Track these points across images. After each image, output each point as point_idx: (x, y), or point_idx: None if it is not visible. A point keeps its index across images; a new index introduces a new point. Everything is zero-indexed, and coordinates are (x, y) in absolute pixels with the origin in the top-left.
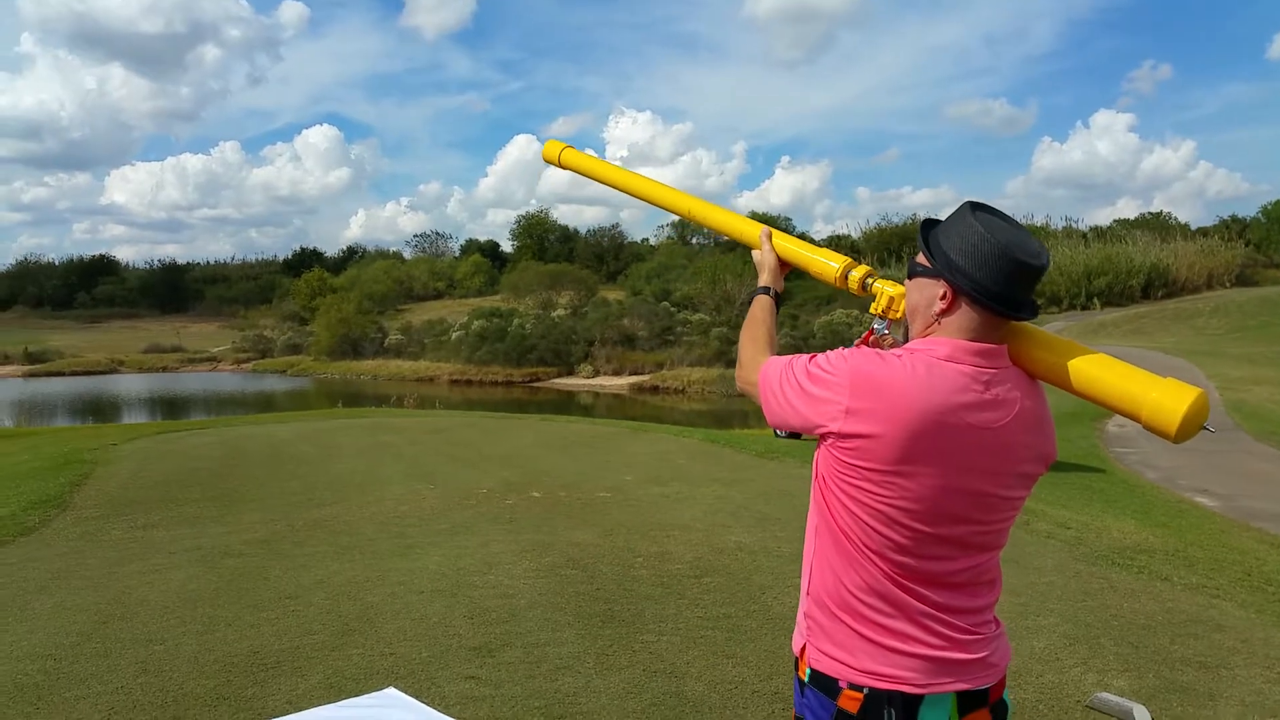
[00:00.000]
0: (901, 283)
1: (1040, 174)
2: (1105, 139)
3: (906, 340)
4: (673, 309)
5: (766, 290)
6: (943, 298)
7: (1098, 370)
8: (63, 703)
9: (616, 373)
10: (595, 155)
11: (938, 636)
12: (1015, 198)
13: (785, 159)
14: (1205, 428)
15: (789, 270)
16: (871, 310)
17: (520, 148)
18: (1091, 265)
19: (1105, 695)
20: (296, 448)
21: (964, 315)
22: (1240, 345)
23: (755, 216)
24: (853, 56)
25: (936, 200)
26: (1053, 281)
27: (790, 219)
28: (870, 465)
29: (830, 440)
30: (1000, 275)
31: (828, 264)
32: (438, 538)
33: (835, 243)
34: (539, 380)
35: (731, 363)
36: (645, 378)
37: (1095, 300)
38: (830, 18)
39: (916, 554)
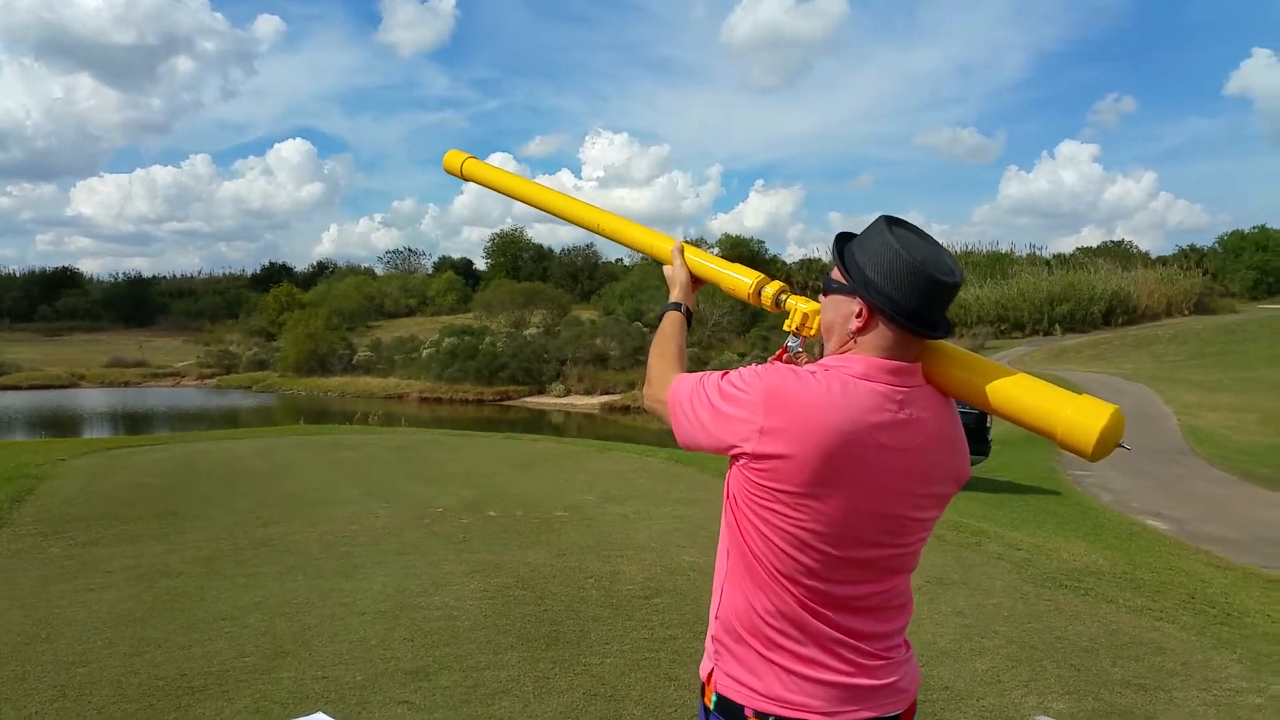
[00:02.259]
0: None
1: (1007, 202)
2: (1070, 169)
3: (821, 358)
4: (645, 329)
5: (678, 306)
6: (858, 315)
7: (1013, 388)
8: None
9: (588, 392)
10: (498, 167)
11: (846, 663)
12: (982, 225)
13: (760, 183)
14: (1121, 445)
15: (701, 286)
16: (785, 327)
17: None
18: (1054, 292)
19: (1044, 719)
20: (250, 464)
21: (879, 333)
22: (1198, 372)
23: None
24: (828, 83)
25: None
26: (1016, 307)
27: (764, 242)
28: (782, 487)
29: (743, 461)
30: (915, 293)
31: (740, 279)
32: (386, 558)
33: (807, 266)
34: (510, 399)
35: None
36: (616, 397)
37: (1057, 326)
38: (806, 45)
39: (826, 578)
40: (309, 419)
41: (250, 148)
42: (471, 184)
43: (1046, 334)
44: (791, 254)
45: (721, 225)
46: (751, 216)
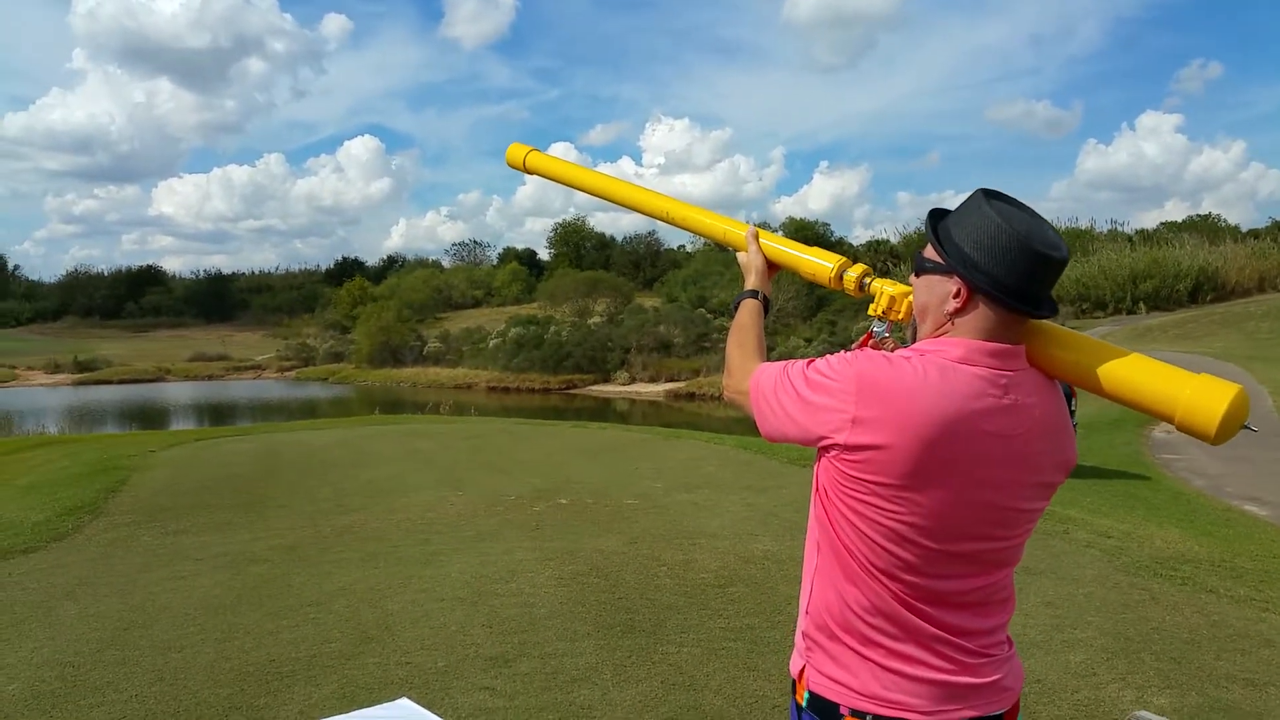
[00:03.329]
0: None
1: (1085, 176)
2: (1152, 140)
3: (913, 342)
4: (709, 315)
5: (754, 294)
6: (956, 295)
7: (1126, 369)
8: (77, 710)
9: (653, 379)
10: (560, 158)
11: (948, 660)
12: (1060, 200)
13: (824, 164)
14: (1247, 426)
15: (777, 272)
16: (870, 311)
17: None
18: (1137, 269)
19: (1144, 714)
20: (330, 454)
21: (980, 314)
22: None
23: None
24: (893, 59)
25: None
26: (1097, 285)
27: (829, 224)
28: (879, 479)
29: (834, 453)
30: (1019, 269)
31: (821, 264)
32: (463, 545)
33: (875, 247)
34: (575, 387)
35: None
36: (681, 384)
37: (1141, 304)
38: (870, 21)
39: (927, 573)
40: (384, 409)
41: (321, 146)
42: (534, 175)
43: (1130, 313)
44: (858, 235)
45: (785, 208)
46: (816, 199)
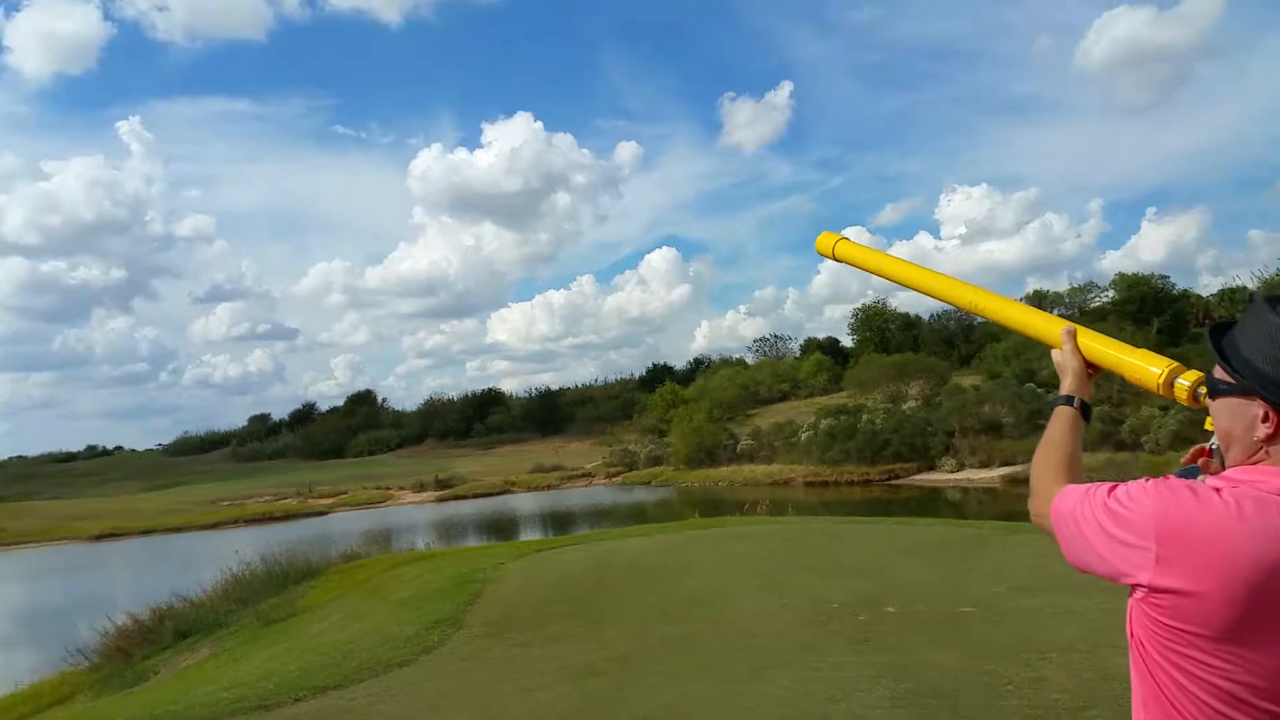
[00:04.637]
0: None
1: None
2: None
3: (1221, 470)
4: (1039, 390)
5: (1070, 400)
6: (1265, 419)
7: None
8: None
9: (984, 464)
10: (868, 246)
11: None
12: None
13: (1151, 211)
14: None
15: (1097, 374)
16: (1208, 426)
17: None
18: None
19: None
20: (655, 560)
21: None
22: None
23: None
24: (1214, 89)
25: None
26: None
27: (1168, 276)
28: (1193, 629)
29: (1140, 594)
30: None
31: (1147, 369)
32: (786, 658)
33: (1229, 297)
34: (898, 477)
35: (1121, 444)
36: (1019, 468)
37: None
38: (1179, 54)
39: None
40: (704, 511)
41: (625, 262)
42: (828, 262)
43: None
44: (1206, 285)
45: (1113, 264)
46: (1148, 249)
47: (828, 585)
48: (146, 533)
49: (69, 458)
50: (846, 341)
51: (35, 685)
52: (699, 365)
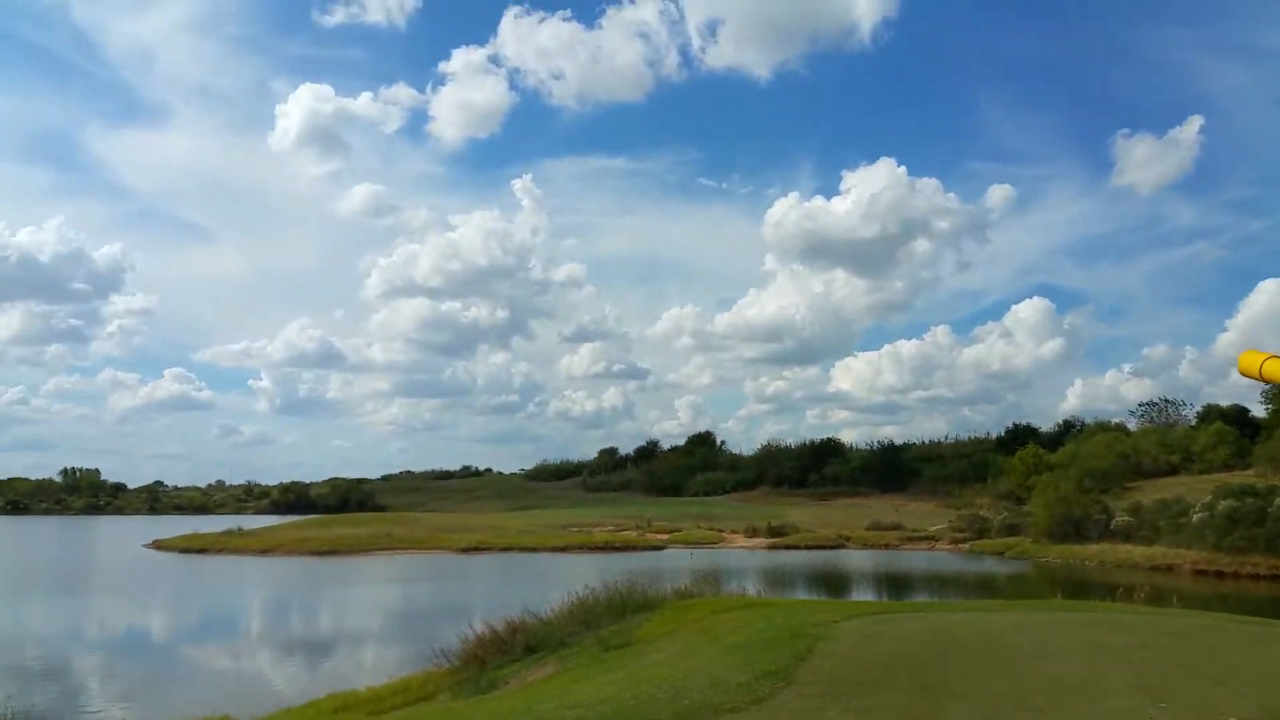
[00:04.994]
0: None
1: None
2: None
3: None
4: None
5: None
6: None
7: None
8: None
9: None
10: None
11: None
12: None
13: None
14: None
15: None
16: None
17: (1270, 295)
18: None
19: None
20: (1007, 640)
21: None
22: None
23: None
24: None
25: None
26: None
27: None
28: None
29: None
30: None
31: None
32: None
33: None
34: None
35: None
36: None
37: None
38: None
39: None
40: (1066, 592)
41: (987, 313)
42: (1238, 318)
43: None
44: None
45: None
46: None
47: (1222, 696)
48: (506, 549)
49: (447, 475)
50: (1257, 411)
51: (404, 680)
52: (1069, 428)
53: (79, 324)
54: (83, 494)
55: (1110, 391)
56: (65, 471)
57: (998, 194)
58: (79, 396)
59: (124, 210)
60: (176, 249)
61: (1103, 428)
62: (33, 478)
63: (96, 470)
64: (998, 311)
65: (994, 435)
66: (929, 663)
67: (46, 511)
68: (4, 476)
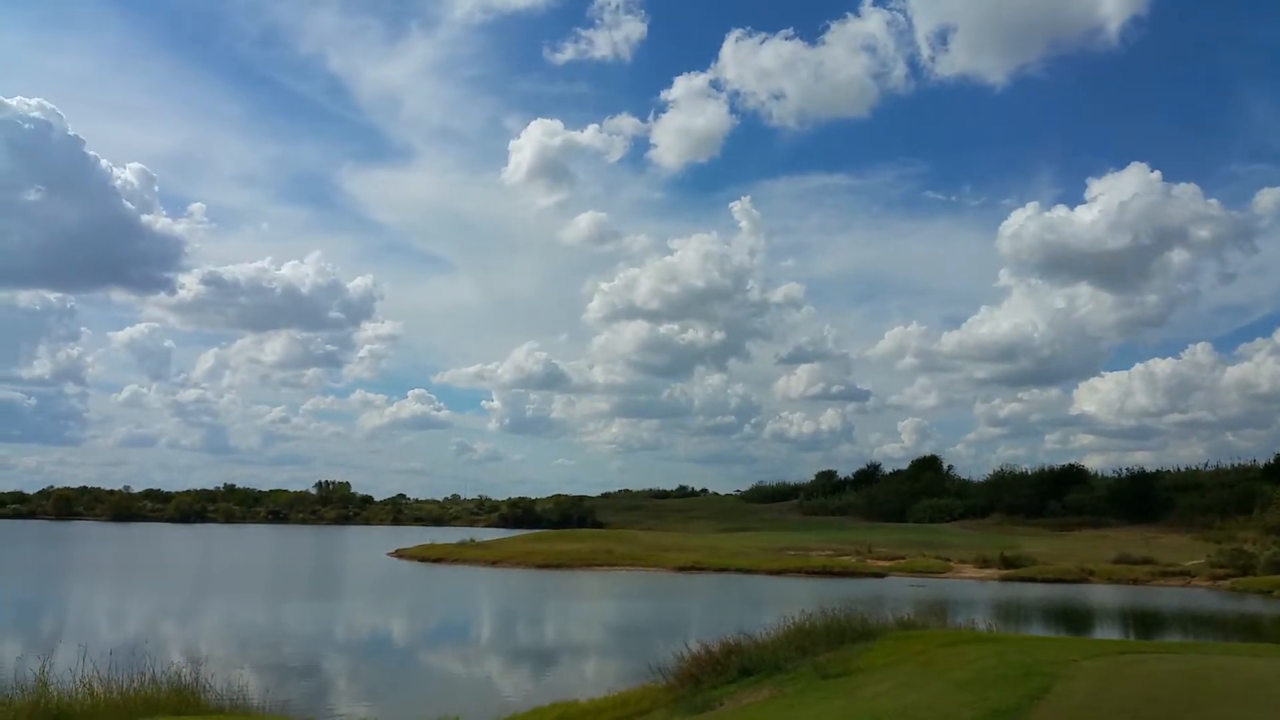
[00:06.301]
0: None
1: None
2: None
3: None
4: None
5: None
6: None
7: None
8: None
9: None
10: None
11: None
12: None
13: None
14: None
15: None
16: None
17: None
18: None
19: None
20: (1275, 691)
21: None
22: None
23: None
24: None
25: None
26: None
27: None
28: None
29: None
30: None
31: None
32: None
33: None
34: None
35: None
36: None
37: None
38: None
39: None
40: None
41: (1255, 329)
42: None
43: None
44: None
45: None
46: None
47: None
48: (721, 569)
49: (663, 495)
50: None
51: (622, 694)
52: None
53: (334, 349)
54: (335, 505)
55: None
56: (320, 484)
57: (1267, 198)
58: (333, 415)
59: (374, 244)
60: (419, 279)
61: None
62: (291, 489)
63: (347, 483)
64: (1267, 327)
65: (1261, 463)
66: (1180, 711)
67: (303, 521)
68: (268, 488)
